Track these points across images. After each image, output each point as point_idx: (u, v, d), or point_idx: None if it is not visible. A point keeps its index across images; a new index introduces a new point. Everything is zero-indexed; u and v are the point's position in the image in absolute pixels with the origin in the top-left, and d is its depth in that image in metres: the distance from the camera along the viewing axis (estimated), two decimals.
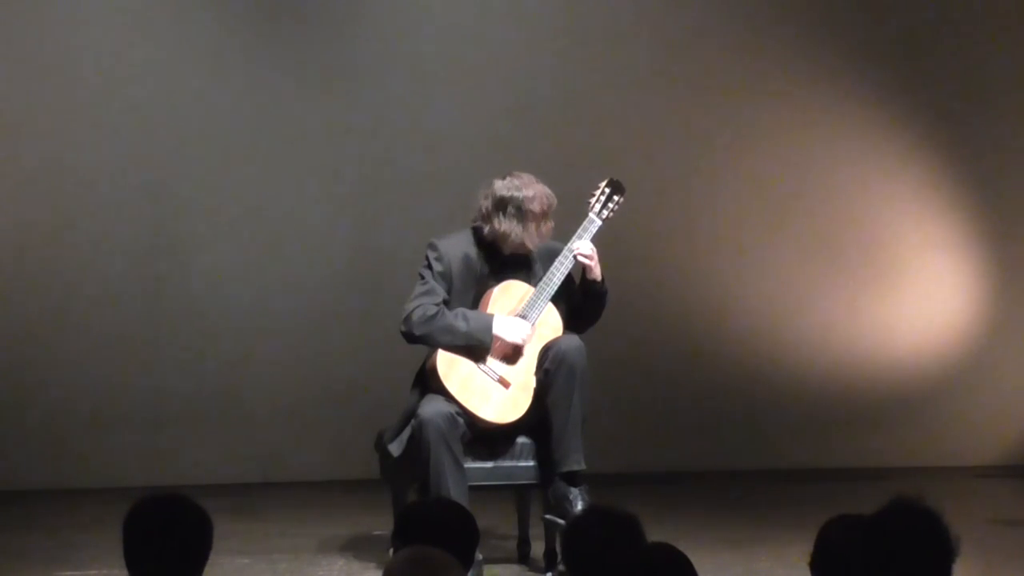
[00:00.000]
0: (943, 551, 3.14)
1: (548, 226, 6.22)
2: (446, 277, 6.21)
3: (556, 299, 6.23)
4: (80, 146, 8.55)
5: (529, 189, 6.18)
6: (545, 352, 6.13)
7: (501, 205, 6.18)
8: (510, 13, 8.81)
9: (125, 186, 8.59)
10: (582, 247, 6.21)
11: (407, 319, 6.17)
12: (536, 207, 6.16)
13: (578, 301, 6.33)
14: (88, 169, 8.56)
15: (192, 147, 8.63)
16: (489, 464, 6.18)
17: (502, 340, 6.14)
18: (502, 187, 6.20)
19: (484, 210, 6.23)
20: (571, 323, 6.34)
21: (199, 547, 3.63)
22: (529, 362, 6.17)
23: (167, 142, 8.60)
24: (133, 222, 8.61)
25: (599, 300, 6.30)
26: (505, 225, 6.17)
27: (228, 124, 8.65)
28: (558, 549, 5.89)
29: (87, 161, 8.56)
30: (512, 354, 6.17)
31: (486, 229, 6.22)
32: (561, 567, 6.19)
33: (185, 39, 8.61)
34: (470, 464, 6.09)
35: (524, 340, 6.15)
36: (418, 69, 8.72)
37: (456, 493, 5.87)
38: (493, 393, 6.13)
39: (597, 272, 6.25)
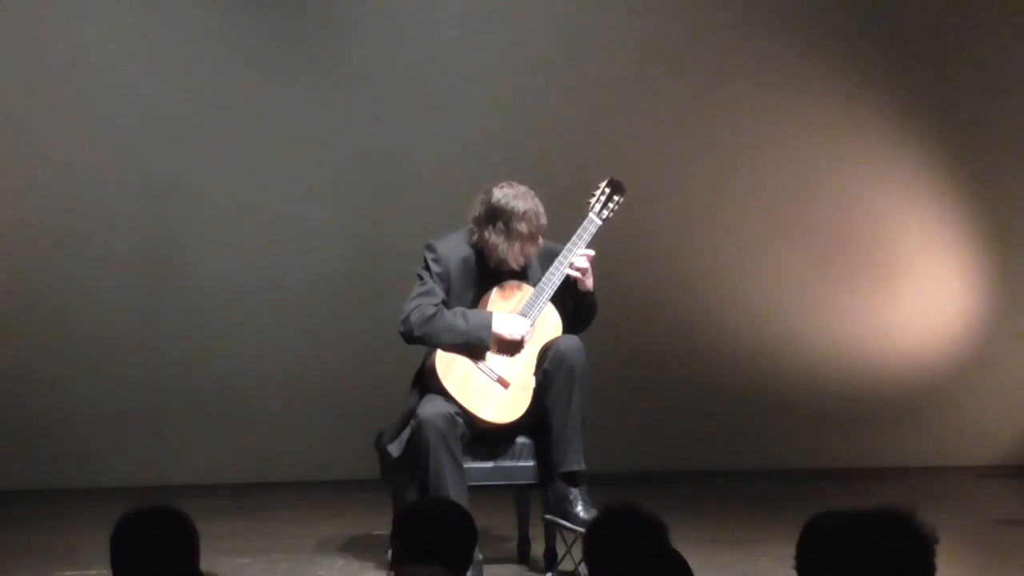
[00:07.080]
0: (920, 544, 3.14)
1: (536, 246, 6.19)
2: (444, 278, 6.21)
3: (555, 300, 6.22)
4: (82, 148, 8.55)
5: (522, 204, 6.14)
6: (544, 352, 6.12)
7: (492, 217, 6.15)
8: (512, 13, 8.81)
9: (126, 188, 8.59)
10: (577, 261, 6.19)
11: (405, 319, 6.16)
12: (524, 227, 6.12)
13: (571, 308, 6.32)
14: (90, 171, 8.56)
15: (193, 150, 8.63)
16: (489, 464, 6.17)
17: (502, 337, 6.13)
18: (497, 196, 6.17)
19: (477, 215, 6.22)
20: (565, 326, 6.33)
21: (185, 556, 3.60)
22: (528, 362, 6.16)
23: (168, 145, 8.61)
24: (134, 224, 8.62)
25: (587, 313, 6.30)
26: (493, 238, 6.16)
27: (229, 127, 8.66)
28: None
29: (88, 163, 8.56)
30: (511, 353, 6.16)
31: (475, 237, 6.21)
32: (561, 568, 6.21)
33: (185, 42, 8.61)
34: (470, 464, 6.08)
35: (524, 336, 6.14)
36: (418, 70, 8.72)
37: (456, 493, 5.86)
38: (492, 393, 6.12)
39: (589, 284, 6.23)
